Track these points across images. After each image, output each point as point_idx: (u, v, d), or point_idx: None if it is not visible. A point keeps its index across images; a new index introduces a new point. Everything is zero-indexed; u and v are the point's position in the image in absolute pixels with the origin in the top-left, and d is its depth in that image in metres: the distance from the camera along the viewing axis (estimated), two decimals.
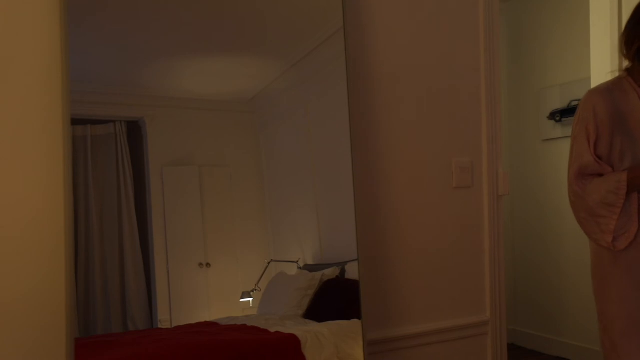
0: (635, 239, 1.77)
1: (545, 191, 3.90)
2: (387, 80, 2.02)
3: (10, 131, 1.50)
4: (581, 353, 3.67)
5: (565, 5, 3.75)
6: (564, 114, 3.69)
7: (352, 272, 1.90)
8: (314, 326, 1.80)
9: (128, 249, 1.67)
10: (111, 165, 1.66)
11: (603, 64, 2.84)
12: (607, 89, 1.86)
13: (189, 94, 1.79)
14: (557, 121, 3.76)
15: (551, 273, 3.89)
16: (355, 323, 1.85)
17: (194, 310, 1.76)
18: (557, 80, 3.80)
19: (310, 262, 1.93)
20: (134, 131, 1.70)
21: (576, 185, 1.85)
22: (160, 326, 1.67)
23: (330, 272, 1.92)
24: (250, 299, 1.82)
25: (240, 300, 1.81)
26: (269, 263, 1.85)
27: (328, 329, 1.79)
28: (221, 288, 1.80)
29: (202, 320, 1.73)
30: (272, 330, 1.73)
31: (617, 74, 1.93)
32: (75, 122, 1.57)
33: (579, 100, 1.92)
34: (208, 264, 1.77)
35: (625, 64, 1.90)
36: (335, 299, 1.94)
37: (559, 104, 3.76)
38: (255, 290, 1.83)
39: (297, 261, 1.92)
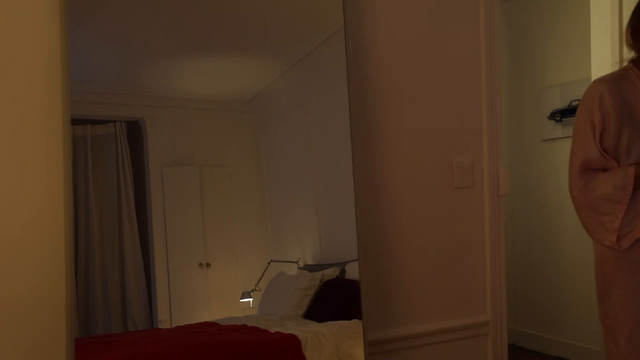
0: None
1: (545, 191, 3.90)
2: (388, 80, 2.02)
3: (10, 131, 1.49)
4: (581, 353, 3.67)
5: (565, 5, 3.75)
6: (564, 114, 3.68)
7: (352, 272, 1.90)
8: (314, 326, 1.80)
9: (128, 249, 1.67)
10: (111, 165, 1.66)
11: (603, 64, 2.84)
12: (614, 79, 1.77)
13: (189, 94, 1.79)
14: (557, 121, 3.76)
15: (551, 273, 3.89)
16: (355, 323, 1.85)
17: (194, 311, 1.75)
18: (557, 80, 3.80)
19: (310, 262, 1.93)
20: (134, 131, 1.70)
21: (579, 180, 1.75)
22: (160, 326, 1.67)
23: (331, 272, 1.92)
24: (250, 299, 1.82)
25: (240, 300, 1.81)
26: (269, 263, 1.85)
27: (328, 329, 1.79)
28: (221, 288, 1.80)
29: (202, 320, 1.73)
30: (272, 330, 1.73)
31: (618, 67, 1.87)
32: (75, 122, 1.57)
33: (579, 100, 1.89)
34: (208, 264, 1.77)
35: (628, 55, 1.83)
36: (335, 299, 1.94)
37: (559, 104, 3.76)
38: (255, 290, 1.82)
39: (297, 261, 1.92)
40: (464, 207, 2.16)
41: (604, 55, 2.86)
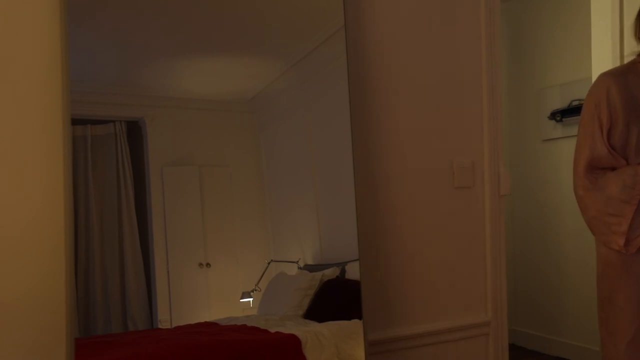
0: None
1: (545, 191, 3.90)
2: (388, 80, 2.01)
3: (11, 131, 1.49)
4: (581, 353, 3.67)
5: (565, 5, 3.75)
6: (565, 114, 3.68)
7: (353, 272, 1.90)
8: (315, 326, 1.80)
9: (128, 249, 1.67)
10: (111, 165, 1.66)
11: (603, 64, 2.84)
12: (621, 72, 1.71)
13: (189, 94, 1.79)
14: (557, 121, 3.76)
15: (551, 273, 3.89)
16: (355, 323, 1.85)
17: (194, 311, 1.75)
18: (557, 80, 3.80)
19: (310, 262, 1.93)
20: (134, 131, 1.70)
21: (585, 179, 1.67)
22: (160, 326, 1.67)
23: (331, 272, 1.92)
24: (251, 299, 1.82)
25: (240, 300, 1.81)
26: (269, 263, 1.85)
27: (328, 329, 1.79)
28: (221, 288, 1.80)
29: (202, 320, 1.73)
30: (273, 330, 1.73)
31: (628, 59, 1.82)
32: (75, 122, 1.57)
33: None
34: (208, 264, 1.77)
35: (635, 49, 1.78)
36: (335, 299, 1.93)
37: (560, 104, 3.76)
38: (255, 290, 1.82)
39: (297, 261, 1.92)
40: (464, 206, 2.16)
41: (605, 55, 2.86)
